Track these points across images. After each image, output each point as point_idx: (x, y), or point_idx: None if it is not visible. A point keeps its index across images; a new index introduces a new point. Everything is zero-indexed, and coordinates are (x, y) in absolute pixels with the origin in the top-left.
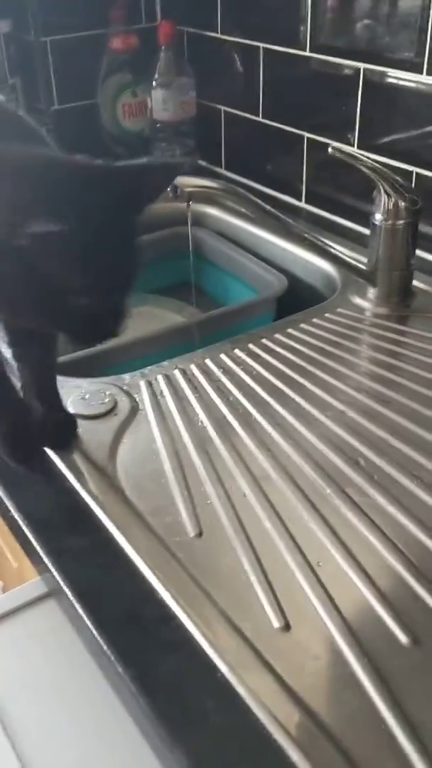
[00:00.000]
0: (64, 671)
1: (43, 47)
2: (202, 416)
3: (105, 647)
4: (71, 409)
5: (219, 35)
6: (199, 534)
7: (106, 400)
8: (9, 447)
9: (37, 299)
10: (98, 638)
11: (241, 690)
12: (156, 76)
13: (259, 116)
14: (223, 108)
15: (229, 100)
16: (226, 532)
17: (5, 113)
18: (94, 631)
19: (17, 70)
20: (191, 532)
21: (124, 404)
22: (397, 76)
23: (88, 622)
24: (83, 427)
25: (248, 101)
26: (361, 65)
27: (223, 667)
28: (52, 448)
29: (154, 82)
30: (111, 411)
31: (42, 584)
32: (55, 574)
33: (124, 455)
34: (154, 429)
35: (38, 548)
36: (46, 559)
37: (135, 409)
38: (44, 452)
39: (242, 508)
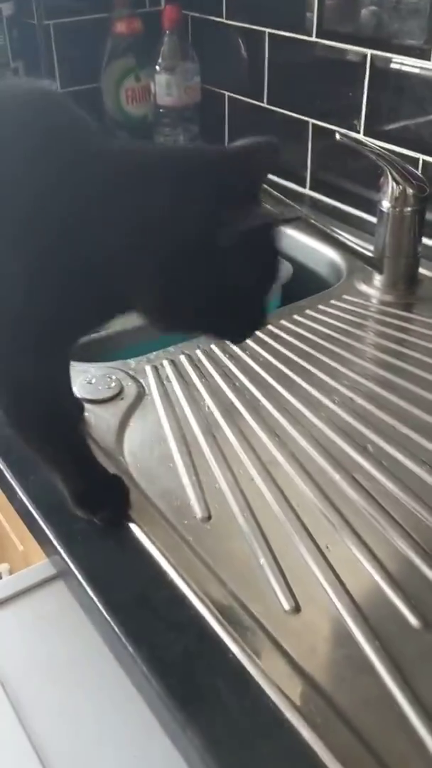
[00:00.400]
0: (73, 652)
1: (47, 30)
2: (208, 401)
3: (116, 629)
4: (78, 394)
5: (224, 20)
6: (208, 517)
7: (113, 384)
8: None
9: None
10: (109, 620)
11: (252, 670)
12: (160, 60)
13: (263, 102)
14: (227, 93)
15: (233, 85)
16: (235, 516)
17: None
18: (105, 613)
19: (20, 53)
20: (200, 515)
21: (130, 389)
22: (404, 63)
23: (99, 604)
24: (90, 411)
25: (253, 87)
26: (368, 51)
27: (234, 648)
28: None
29: (157, 67)
30: (117, 395)
31: (49, 566)
32: (65, 556)
33: (131, 439)
34: (160, 413)
35: (47, 531)
36: (55, 542)
37: (141, 394)
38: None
39: (250, 492)
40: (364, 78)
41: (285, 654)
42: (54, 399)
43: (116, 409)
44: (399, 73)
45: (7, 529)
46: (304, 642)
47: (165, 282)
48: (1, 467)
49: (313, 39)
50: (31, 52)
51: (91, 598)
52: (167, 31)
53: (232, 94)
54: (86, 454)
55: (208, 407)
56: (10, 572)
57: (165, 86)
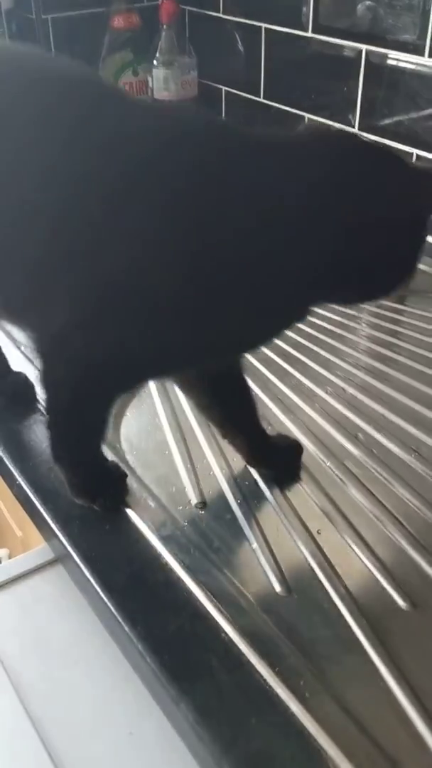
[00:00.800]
0: (72, 633)
1: (45, 24)
2: None
3: (112, 609)
4: None
5: (221, 15)
6: (203, 503)
7: None
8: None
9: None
10: (106, 601)
11: (243, 648)
12: (157, 55)
13: (260, 96)
14: (224, 88)
15: (230, 80)
16: (228, 502)
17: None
18: (102, 594)
19: None
20: (194, 501)
21: None
22: (398, 58)
23: (96, 586)
24: None
25: (249, 81)
26: (363, 47)
27: (227, 628)
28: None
29: (155, 61)
30: None
31: (48, 551)
32: (63, 540)
33: (127, 428)
34: (156, 402)
35: (46, 516)
36: (53, 526)
37: None
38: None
39: (243, 478)
40: (359, 73)
41: (274, 634)
42: (115, 384)
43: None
44: (393, 68)
45: (6, 515)
46: (294, 622)
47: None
48: (0, 454)
49: (309, 34)
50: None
51: (88, 580)
52: (165, 26)
53: (228, 89)
54: (99, 440)
55: None
56: (10, 557)
57: (162, 80)
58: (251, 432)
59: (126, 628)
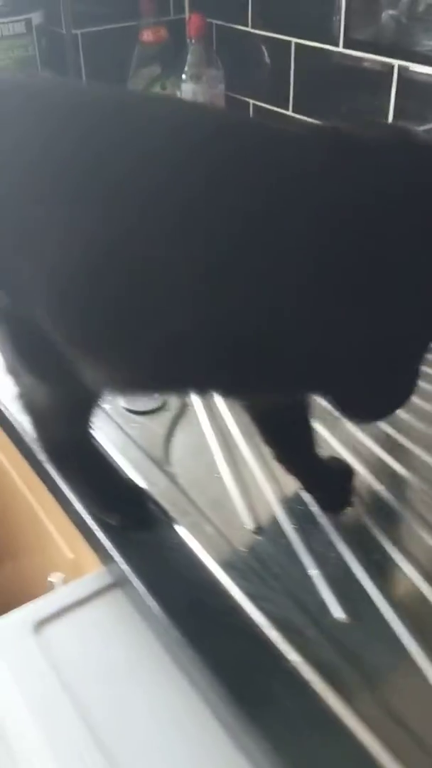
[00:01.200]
0: (134, 659)
1: (75, 40)
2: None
3: (178, 635)
4: (125, 406)
5: (249, 29)
6: (258, 528)
7: (156, 395)
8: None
9: None
10: (170, 626)
11: (308, 675)
12: (186, 68)
13: (288, 110)
14: (252, 101)
15: (258, 93)
16: (282, 527)
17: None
18: (166, 620)
19: (48, 62)
20: (249, 525)
21: (174, 400)
22: (429, 73)
23: (159, 611)
24: (137, 423)
25: (278, 95)
26: (396, 62)
27: (291, 655)
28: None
29: (183, 75)
30: (162, 407)
31: (105, 575)
32: (122, 564)
33: (178, 450)
34: (204, 423)
35: (104, 540)
36: (112, 550)
37: (185, 405)
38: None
39: (296, 502)
40: (390, 88)
41: (338, 661)
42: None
43: (162, 420)
44: (426, 82)
45: (57, 537)
46: (358, 649)
47: None
48: (57, 479)
49: (340, 49)
50: (59, 61)
51: (150, 606)
52: (193, 40)
53: (256, 102)
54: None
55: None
56: (64, 581)
57: (191, 94)
58: (308, 458)
59: (191, 654)
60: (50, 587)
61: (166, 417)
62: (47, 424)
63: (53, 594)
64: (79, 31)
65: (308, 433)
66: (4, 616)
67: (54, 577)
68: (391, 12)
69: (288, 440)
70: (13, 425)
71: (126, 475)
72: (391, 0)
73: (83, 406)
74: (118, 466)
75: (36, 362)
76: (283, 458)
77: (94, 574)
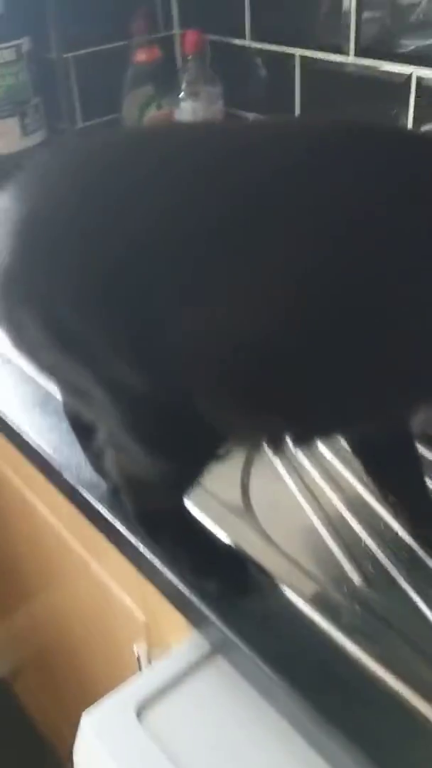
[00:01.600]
0: (245, 731)
1: (65, 64)
2: (323, 449)
3: (308, 709)
4: None
5: (247, 43)
6: (366, 580)
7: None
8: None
9: None
10: (297, 700)
11: None
12: (183, 86)
13: None
14: (252, 116)
15: (259, 108)
16: (392, 575)
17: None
18: (291, 694)
19: (39, 89)
20: (356, 579)
21: None
22: None
23: (284, 685)
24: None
25: (282, 110)
26: (413, 70)
27: None
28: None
29: (182, 93)
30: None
31: (200, 642)
32: (228, 632)
33: (258, 497)
34: (278, 465)
35: (202, 607)
36: (216, 620)
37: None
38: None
39: (399, 547)
40: (408, 98)
41: None
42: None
43: (234, 461)
44: None
45: (128, 602)
46: None
47: None
48: (143, 549)
49: (351, 60)
50: (50, 87)
51: (271, 678)
52: (190, 56)
53: (259, 117)
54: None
55: (324, 455)
56: (148, 652)
57: (191, 112)
58: (417, 496)
59: (325, 728)
60: (135, 657)
61: (236, 459)
62: (143, 493)
63: (150, 671)
64: (70, 55)
65: (417, 469)
66: (102, 702)
67: (140, 649)
68: (415, 23)
69: (394, 470)
70: (75, 488)
71: (219, 538)
72: (415, 12)
73: (194, 478)
74: (208, 528)
75: (161, 439)
76: (388, 491)
77: (188, 644)
